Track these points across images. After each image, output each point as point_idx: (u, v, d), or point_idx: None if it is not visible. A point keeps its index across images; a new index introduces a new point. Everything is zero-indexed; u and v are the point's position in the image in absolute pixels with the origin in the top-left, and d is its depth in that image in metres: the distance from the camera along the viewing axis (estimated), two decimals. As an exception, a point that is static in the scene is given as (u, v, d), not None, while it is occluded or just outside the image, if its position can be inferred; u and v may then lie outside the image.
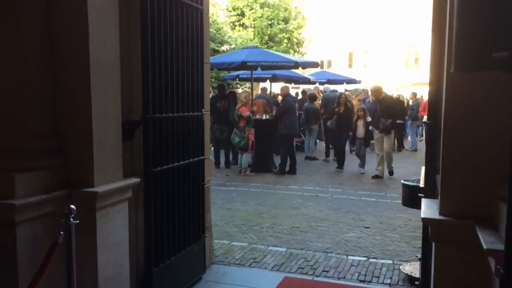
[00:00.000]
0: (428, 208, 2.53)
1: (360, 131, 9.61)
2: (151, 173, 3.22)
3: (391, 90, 29.53)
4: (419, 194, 3.06)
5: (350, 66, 32.10)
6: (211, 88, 15.84)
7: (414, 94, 14.28)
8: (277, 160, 10.00)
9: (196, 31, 3.78)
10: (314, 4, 35.53)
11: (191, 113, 3.75)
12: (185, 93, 3.65)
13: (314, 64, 10.50)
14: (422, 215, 2.46)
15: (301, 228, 5.69)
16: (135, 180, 3.09)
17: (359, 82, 18.95)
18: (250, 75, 10.80)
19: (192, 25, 3.70)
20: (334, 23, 35.41)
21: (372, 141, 9.75)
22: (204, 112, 4.02)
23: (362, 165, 9.83)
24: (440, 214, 2.36)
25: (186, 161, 3.69)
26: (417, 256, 3.98)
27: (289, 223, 5.91)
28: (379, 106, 9.07)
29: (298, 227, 5.73)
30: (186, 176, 3.71)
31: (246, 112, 9.23)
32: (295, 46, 27.91)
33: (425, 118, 17.67)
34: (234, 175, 9.46)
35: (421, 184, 3.25)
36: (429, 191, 2.90)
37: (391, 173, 9.29)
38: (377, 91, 9.31)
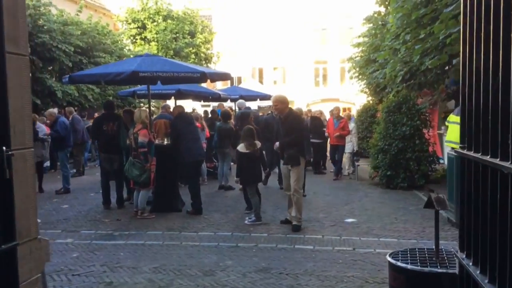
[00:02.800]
0: None
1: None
2: None
3: (302, 106, 29.08)
4: None
5: (260, 82, 31.05)
6: (73, 109, 13.38)
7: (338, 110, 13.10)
8: (184, 195, 7.98)
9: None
10: (222, 19, 34.23)
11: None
12: None
13: (224, 76, 8.65)
14: None
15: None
16: None
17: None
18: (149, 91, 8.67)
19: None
20: (244, 39, 34.35)
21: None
22: (14, 151, 1.95)
23: (250, 207, 7.31)
24: None
25: None
26: None
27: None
28: (281, 126, 6.59)
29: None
30: None
31: (145, 137, 7.09)
32: (203, 62, 26.19)
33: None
34: (127, 219, 7.23)
35: None
36: None
37: (296, 228, 6.37)
38: (283, 102, 6.55)
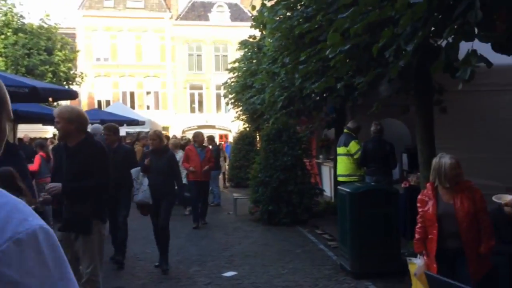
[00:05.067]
0: None
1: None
2: None
3: (178, 132, 27.58)
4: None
5: (132, 107, 28.85)
6: None
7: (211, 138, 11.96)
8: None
9: None
10: (89, 38, 31.37)
11: None
12: None
13: (68, 94, 6.91)
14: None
15: None
16: None
17: (142, 123, 15.89)
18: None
19: None
20: (114, 60, 31.85)
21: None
22: None
23: None
24: None
25: None
26: None
27: None
28: (67, 160, 3.74)
29: None
30: None
31: None
32: (63, 82, 23.24)
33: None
34: None
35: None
36: None
37: None
38: (68, 120, 3.60)
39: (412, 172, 7.43)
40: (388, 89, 5.79)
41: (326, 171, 11.45)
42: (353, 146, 7.32)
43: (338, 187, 6.04)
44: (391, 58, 4.07)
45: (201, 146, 8.92)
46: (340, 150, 7.62)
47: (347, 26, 4.45)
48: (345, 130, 7.77)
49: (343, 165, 7.53)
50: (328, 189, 10.71)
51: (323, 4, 5.59)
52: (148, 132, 16.29)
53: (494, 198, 4.22)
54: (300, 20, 6.85)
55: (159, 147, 5.97)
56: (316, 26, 5.65)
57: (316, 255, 6.57)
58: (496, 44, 3.37)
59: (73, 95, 7.06)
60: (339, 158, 7.71)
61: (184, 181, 8.42)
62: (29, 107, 9.04)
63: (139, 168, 5.94)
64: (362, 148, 7.11)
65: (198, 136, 9.07)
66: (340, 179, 7.68)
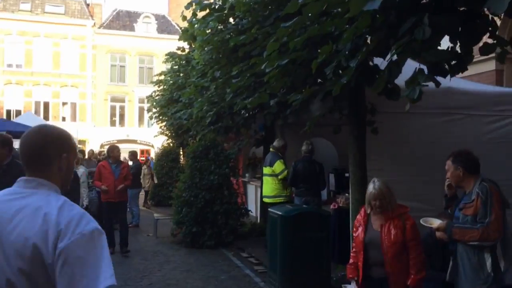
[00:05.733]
0: None
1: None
2: None
3: (96, 146, 25.97)
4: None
5: (46, 118, 26.79)
6: None
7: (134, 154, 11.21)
8: None
9: None
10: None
11: None
12: None
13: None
14: None
15: None
16: None
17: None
18: None
19: None
20: (28, 66, 29.49)
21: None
22: None
23: None
24: None
25: None
26: None
27: None
28: None
29: None
30: None
31: None
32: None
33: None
34: None
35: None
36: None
37: None
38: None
39: (339, 193, 7.38)
40: (321, 107, 5.67)
41: (252, 190, 11.19)
42: (278, 166, 7.11)
43: (269, 209, 5.74)
44: (330, 75, 3.89)
45: (116, 162, 7.82)
46: (266, 170, 7.38)
47: (285, 40, 4.23)
48: (271, 149, 7.56)
49: (269, 186, 7.29)
50: (253, 209, 10.43)
51: (258, 18, 5.37)
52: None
53: (421, 221, 4.14)
54: (232, 34, 6.59)
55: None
56: (251, 39, 5.38)
57: (243, 281, 6.18)
58: (436, 66, 3.30)
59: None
60: (264, 179, 7.46)
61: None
62: None
63: None
64: (292, 168, 6.91)
65: (112, 151, 7.94)
66: (265, 200, 7.42)
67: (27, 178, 1.54)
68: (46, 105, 29.83)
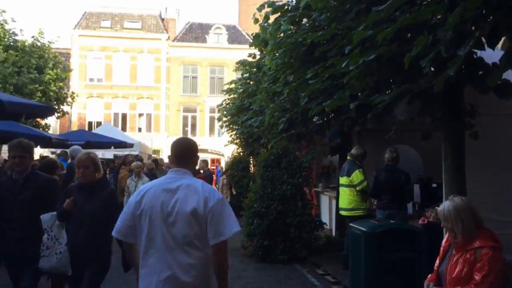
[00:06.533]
0: None
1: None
2: None
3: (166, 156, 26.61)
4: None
5: (123, 129, 28.03)
6: None
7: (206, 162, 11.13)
8: None
9: None
10: (83, 57, 30.78)
11: None
12: None
13: (44, 111, 6.12)
14: None
15: None
16: None
17: (131, 146, 15.05)
18: None
19: None
20: (106, 81, 31.21)
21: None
22: None
23: None
24: None
25: None
26: None
27: None
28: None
29: None
30: None
31: None
32: (54, 102, 22.37)
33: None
34: None
35: None
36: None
37: None
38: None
39: (425, 206, 6.64)
40: (408, 111, 5.05)
41: (325, 200, 10.61)
42: (356, 176, 6.53)
43: (350, 224, 5.18)
44: (427, 69, 3.32)
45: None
46: (342, 180, 6.82)
47: (370, 33, 3.73)
48: (348, 158, 7.00)
49: (346, 197, 6.72)
50: (327, 221, 9.85)
51: (338, 12, 4.88)
52: (138, 155, 15.45)
53: None
54: (309, 32, 6.15)
55: (91, 179, 3.77)
56: (330, 36, 4.92)
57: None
58: None
59: (50, 111, 6.26)
60: (341, 189, 6.91)
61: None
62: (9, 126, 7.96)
63: (55, 213, 3.82)
64: (374, 177, 6.30)
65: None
66: (342, 213, 6.86)
67: (178, 168, 2.62)
68: (124, 116, 31.26)
